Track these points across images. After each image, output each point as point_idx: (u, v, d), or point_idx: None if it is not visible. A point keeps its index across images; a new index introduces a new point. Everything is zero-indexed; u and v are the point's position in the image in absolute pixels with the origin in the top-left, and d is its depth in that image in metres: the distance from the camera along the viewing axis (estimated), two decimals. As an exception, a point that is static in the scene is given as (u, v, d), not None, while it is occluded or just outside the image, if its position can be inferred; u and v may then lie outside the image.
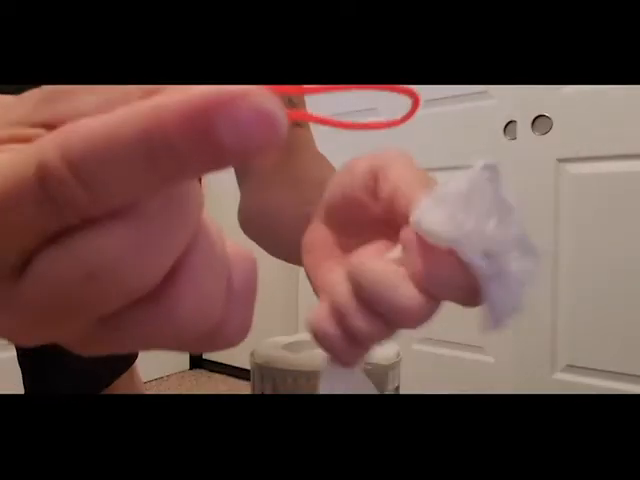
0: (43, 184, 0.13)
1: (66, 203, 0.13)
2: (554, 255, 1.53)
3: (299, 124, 0.55)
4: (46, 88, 0.16)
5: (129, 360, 0.76)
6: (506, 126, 1.59)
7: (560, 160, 1.51)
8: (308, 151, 0.55)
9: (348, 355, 0.24)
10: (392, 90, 0.21)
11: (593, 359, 1.48)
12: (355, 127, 0.21)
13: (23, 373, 0.73)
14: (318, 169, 0.52)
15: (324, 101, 1.87)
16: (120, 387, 0.74)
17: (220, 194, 2.23)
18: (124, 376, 0.75)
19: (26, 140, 0.15)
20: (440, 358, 1.68)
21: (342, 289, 0.24)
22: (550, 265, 1.53)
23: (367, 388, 0.26)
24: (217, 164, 0.13)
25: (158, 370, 2.26)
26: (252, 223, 0.52)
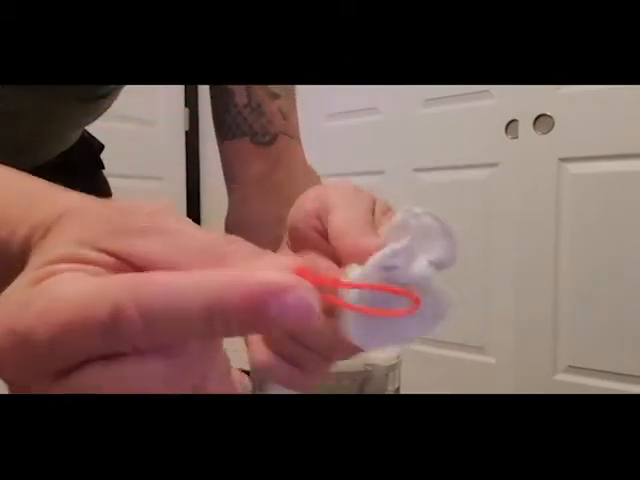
0: (115, 322, 0.16)
1: (127, 340, 0.16)
2: (555, 255, 1.53)
3: (289, 134, 0.55)
4: (114, 219, 0.19)
5: None
6: (508, 125, 1.59)
7: (562, 159, 1.51)
8: (294, 165, 0.55)
9: (300, 380, 0.26)
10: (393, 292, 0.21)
11: (594, 360, 1.47)
12: (379, 313, 0.21)
13: None
14: (301, 185, 0.52)
15: (324, 101, 1.87)
16: None
17: (218, 195, 2.24)
18: None
19: (91, 262, 0.18)
20: (441, 359, 1.68)
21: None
22: (551, 265, 1.53)
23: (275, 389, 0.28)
24: (259, 332, 0.18)
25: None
26: (234, 234, 0.52)
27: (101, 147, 0.75)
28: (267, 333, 0.17)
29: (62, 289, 0.16)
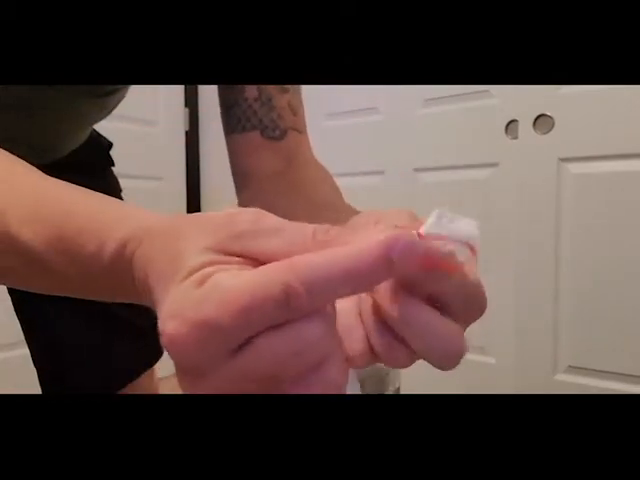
0: (287, 297, 0.20)
1: (296, 309, 0.20)
2: (555, 255, 1.52)
3: (298, 130, 0.55)
4: (234, 226, 0.23)
5: (151, 361, 0.77)
6: (508, 125, 1.59)
7: (562, 159, 1.51)
8: (306, 160, 0.55)
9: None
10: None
11: (594, 360, 1.47)
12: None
13: (40, 373, 0.72)
14: (319, 182, 0.52)
15: (324, 101, 1.87)
16: (142, 385, 0.74)
17: (218, 195, 2.24)
18: (146, 374, 0.75)
19: (225, 263, 0.22)
20: (441, 358, 1.67)
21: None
22: (551, 265, 1.53)
23: (355, 389, 0.27)
24: (383, 281, 0.22)
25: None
26: None
27: (110, 145, 0.75)
28: (388, 278, 0.22)
29: (229, 283, 0.20)
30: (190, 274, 0.21)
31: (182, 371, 0.22)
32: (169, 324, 0.21)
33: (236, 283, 0.20)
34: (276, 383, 0.21)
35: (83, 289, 0.32)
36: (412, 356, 0.25)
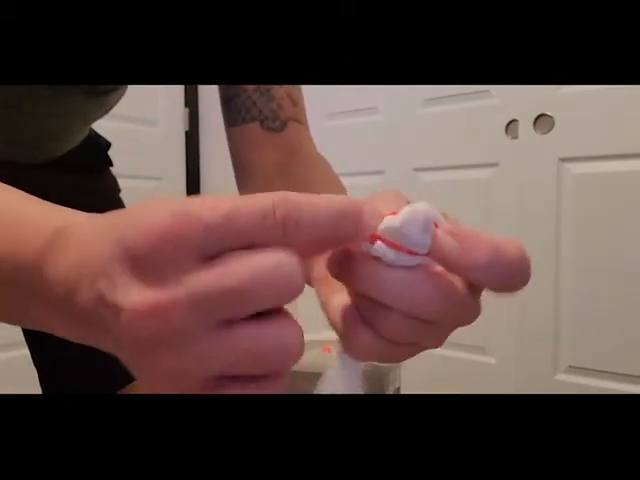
0: (274, 209, 0.20)
1: (271, 229, 0.20)
2: (555, 255, 1.52)
3: (299, 120, 0.55)
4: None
5: None
6: (508, 125, 1.59)
7: (562, 159, 1.51)
8: (307, 153, 0.55)
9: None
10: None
11: (595, 360, 1.47)
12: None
13: (40, 373, 0.72)
14: (321, 173, 0.52)
15: (324, 100, 1.87)
16: (141, 385, 0.74)
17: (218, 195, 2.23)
18: None
19: None
20: (441, 359, 1.68)
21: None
22: (552, 265, 1.53)
23: (356, 382, 0.27)
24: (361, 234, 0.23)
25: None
26: None
27: (108, 145, 0.75)
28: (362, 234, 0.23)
29: (215, 197, 0.20)
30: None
31: (141, 269, 0.20)
32: (149, 216, 0.20)
33: (225, 197, 0.20)
34: (236, 307, 0.20)
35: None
36: (379, 342, 0.25)
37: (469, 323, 0.26)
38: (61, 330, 0.24)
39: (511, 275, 0.24)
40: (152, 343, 0.20)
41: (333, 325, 0.27)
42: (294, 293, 0.21)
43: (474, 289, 0.25)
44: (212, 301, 0.20)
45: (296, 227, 0.21)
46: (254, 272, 0.20)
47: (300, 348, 0.21)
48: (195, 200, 0.20)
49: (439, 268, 0.25)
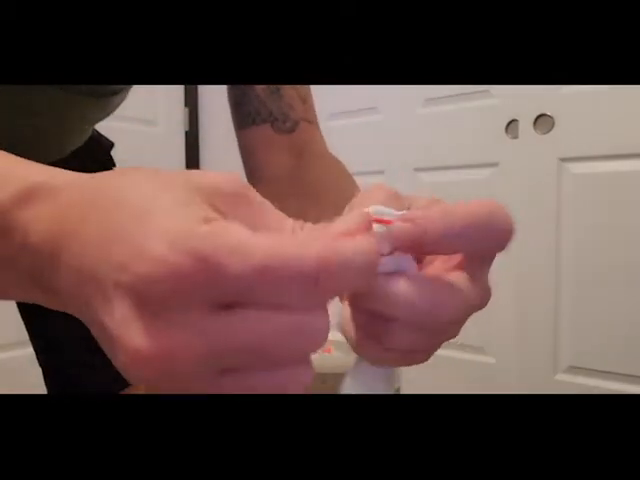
0: (318, 275, 0.18)
1: (322, 291, 0.18)
2: (555, 255, 1.52)
3: (309, 120, 0.54)
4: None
5: None
6: (508, 125, 1.59)
7: (562, 159, 1.51)
8: (319, 153, 0.54)
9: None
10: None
11: (595, 360, 1.47)
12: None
13: (45, 372, 0.72)
14: (333, 174, 0.51)
15: (324, 100, 1.87)
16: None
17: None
18: None
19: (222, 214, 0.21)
20: (441, 359, 1.67)
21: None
22: (552, 265, 1.53)
23: (389, 389, 0.27)
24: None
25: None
26: None
27: (111, 145, 0.75)
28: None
29: (244, 236, 0.18)
30: (198, 220, 0.18)
31: (148, 307, 0.18)
32: (162, 248, 0.17)
33: (261, 240, 0.18)
34: (249, 360, 0.19)
35: None
36: (385, 351, 0.25)
37: (481, 308, 0.26)
38: (40, 300, 0.24)
39: (482, 231, 0.24)
40: (153, 380, 0.19)
41: (343, 334, 0.27)
42: (314, 350, 0.19)
43: (474, 272, 0.25)
44: (223, 354, 0.18)
45: (332, 294, 0.19)
46: (275, 331, 0.18)
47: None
48: (222, 240, 0.17)
49: (431, 271, 0.25)
